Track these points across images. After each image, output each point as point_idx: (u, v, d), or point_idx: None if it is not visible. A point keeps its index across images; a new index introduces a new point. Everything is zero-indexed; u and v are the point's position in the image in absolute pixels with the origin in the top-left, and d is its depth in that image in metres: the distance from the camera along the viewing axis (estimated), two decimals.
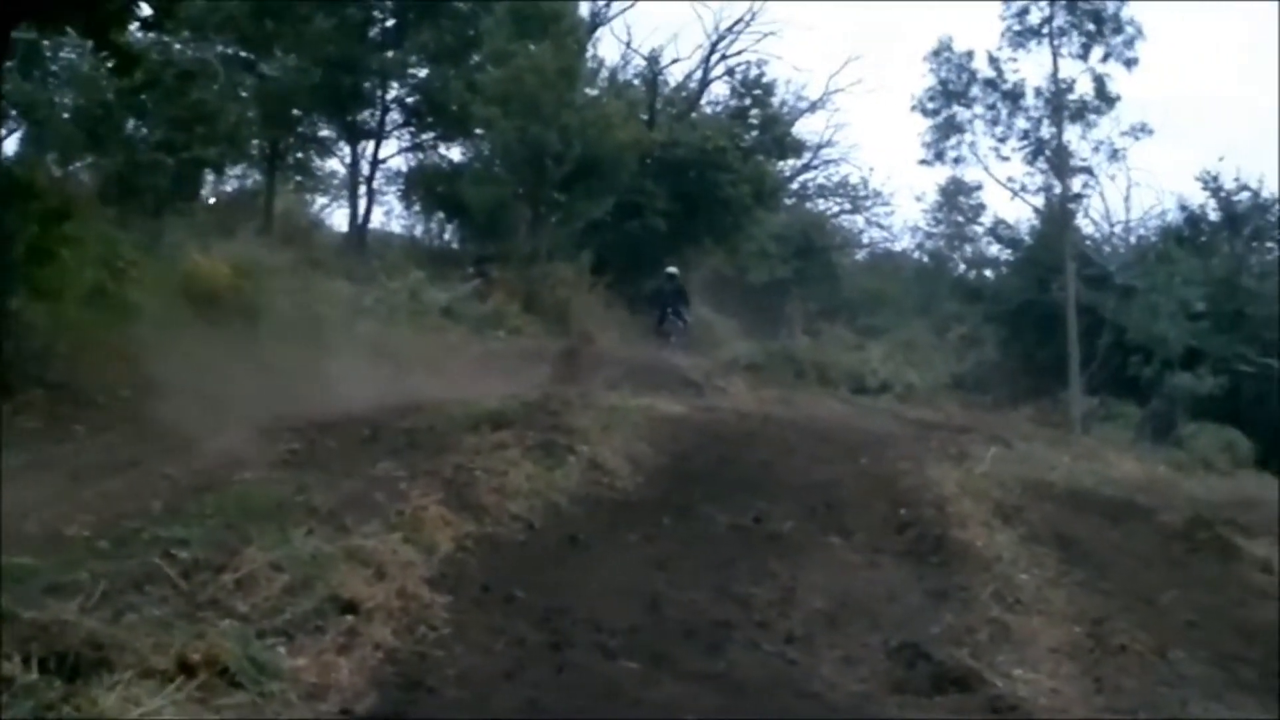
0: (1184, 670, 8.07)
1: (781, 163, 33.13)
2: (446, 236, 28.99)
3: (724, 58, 33.55)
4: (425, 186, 26.89)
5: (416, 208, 29.35)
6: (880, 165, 79.39)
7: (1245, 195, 35.25)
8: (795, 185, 39.88)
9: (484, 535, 8.61)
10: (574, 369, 18.26)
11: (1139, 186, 56.82)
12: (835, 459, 13.88)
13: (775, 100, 33.70)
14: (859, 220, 45.59)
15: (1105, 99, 35.95)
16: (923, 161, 39.17)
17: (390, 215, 31.37)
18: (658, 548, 9.32)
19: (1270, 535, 15.82)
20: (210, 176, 23.32)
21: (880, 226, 47.42)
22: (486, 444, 10.89)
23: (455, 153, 27.59)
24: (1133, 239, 37.75)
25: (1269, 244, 35.43)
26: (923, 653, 7.36)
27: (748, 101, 32.44)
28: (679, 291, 23.33)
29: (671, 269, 23.28)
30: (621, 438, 12.36)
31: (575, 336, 21.34)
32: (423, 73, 25.93)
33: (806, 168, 40.45)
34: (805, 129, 35.99)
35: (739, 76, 32.98)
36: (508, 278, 22.58)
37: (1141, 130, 36.51)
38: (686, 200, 26.08)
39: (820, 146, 40.23)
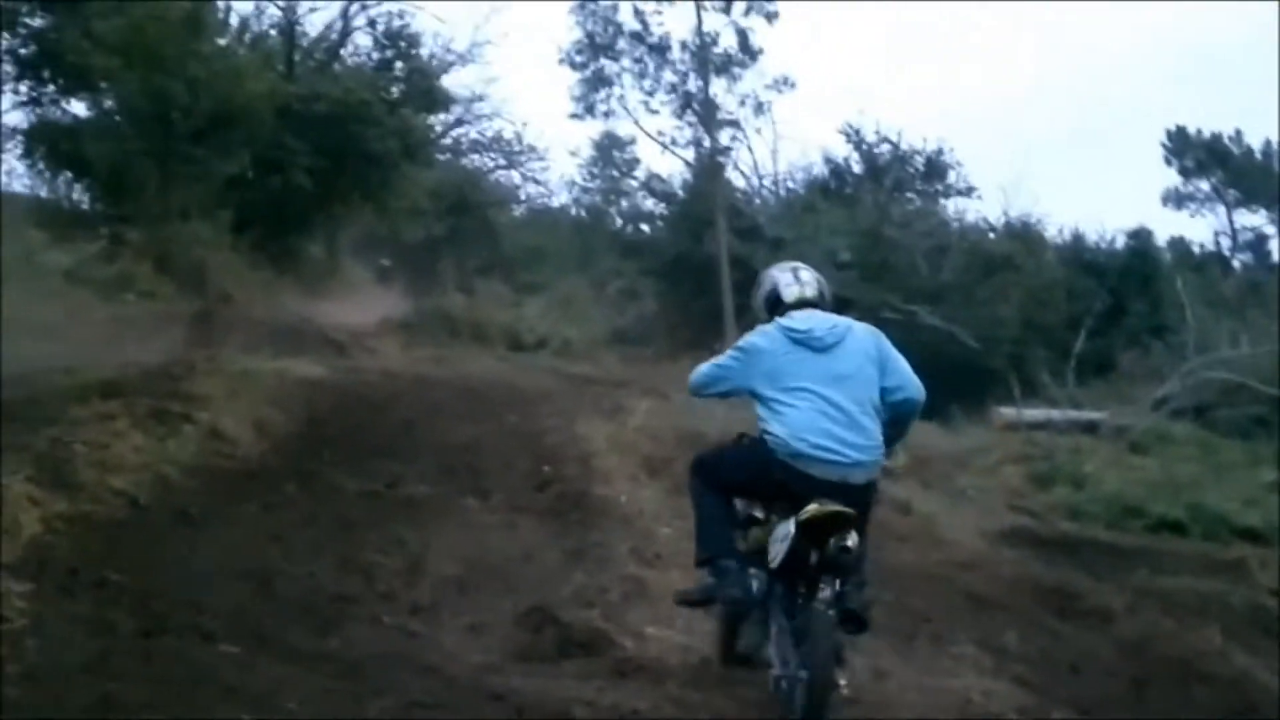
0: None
1: (431, 117, 32.27)
2: (76, 197, 27.10)
3: (364, 7, 32.42)
4: (47, 144, 25.06)
5: (40, 167, 27.39)
6: (534, 119, 78.68)
7: (886, 148, 36.52)
8: (448, 141, 39.11)
9: (78, 514, 7.64)
10: (211, 332, 17.21)
11: (786, 140, 58.49)
12: (482, 418, 13.48)
13: (422, 52, 32.84)
14: (515, 176, 45.23)
15: (749, 52, 36.65)
16: (574, 115, 39.24)
17: (12, 176, 29.18)
18: (277, 520, 8.65)
19: (914, 477, 16.37)
20: None
21: (536, 182, 47.15)
22: (92, 415, 9.84)
23: (80, 107, 25.88)
24: (781, 191, 38.71)
25: (909, 194, 36.79)
26: (551, 616, 7.07)
27: (391, 54, 31.49)
28: None
29: None
30: (249, 404, 11.52)
31: (212, 298, 20.27)
32: (37, 22, 24.16)
33: (459, 123, 39.78)
34: (456, 83, 35.24)
35: (381, 28, 31.97)
36: (138, 238, 21.24)
37: (784, 83, 37.43)
38: (331, 155, 25.06)
39: (472, 101, 39.64)
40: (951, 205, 37.44)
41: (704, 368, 6.20)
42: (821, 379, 5.76)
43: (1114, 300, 32.57)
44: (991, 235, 36.09)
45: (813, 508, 5.37)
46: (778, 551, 5.63)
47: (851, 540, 5.42)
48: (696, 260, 33.53)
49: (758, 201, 37.72)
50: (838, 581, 5.54)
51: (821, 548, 5.43)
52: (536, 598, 7.45)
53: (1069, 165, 68.75)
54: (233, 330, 16.90)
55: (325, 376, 14.35)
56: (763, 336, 6.01)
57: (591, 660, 6.50)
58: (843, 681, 5.59)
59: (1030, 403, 24.45)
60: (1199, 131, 50.04)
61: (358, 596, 7.31)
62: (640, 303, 34.15)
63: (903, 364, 5.99)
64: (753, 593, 5.80)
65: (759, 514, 6.04)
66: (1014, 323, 31.78)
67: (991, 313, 31.39)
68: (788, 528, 5.53)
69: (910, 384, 5.96)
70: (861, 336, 5.98)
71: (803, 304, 6.09)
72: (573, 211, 47.86)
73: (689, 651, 6.87)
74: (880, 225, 33.15)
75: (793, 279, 6.21)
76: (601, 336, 28.69)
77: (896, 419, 5.95)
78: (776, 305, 6.16)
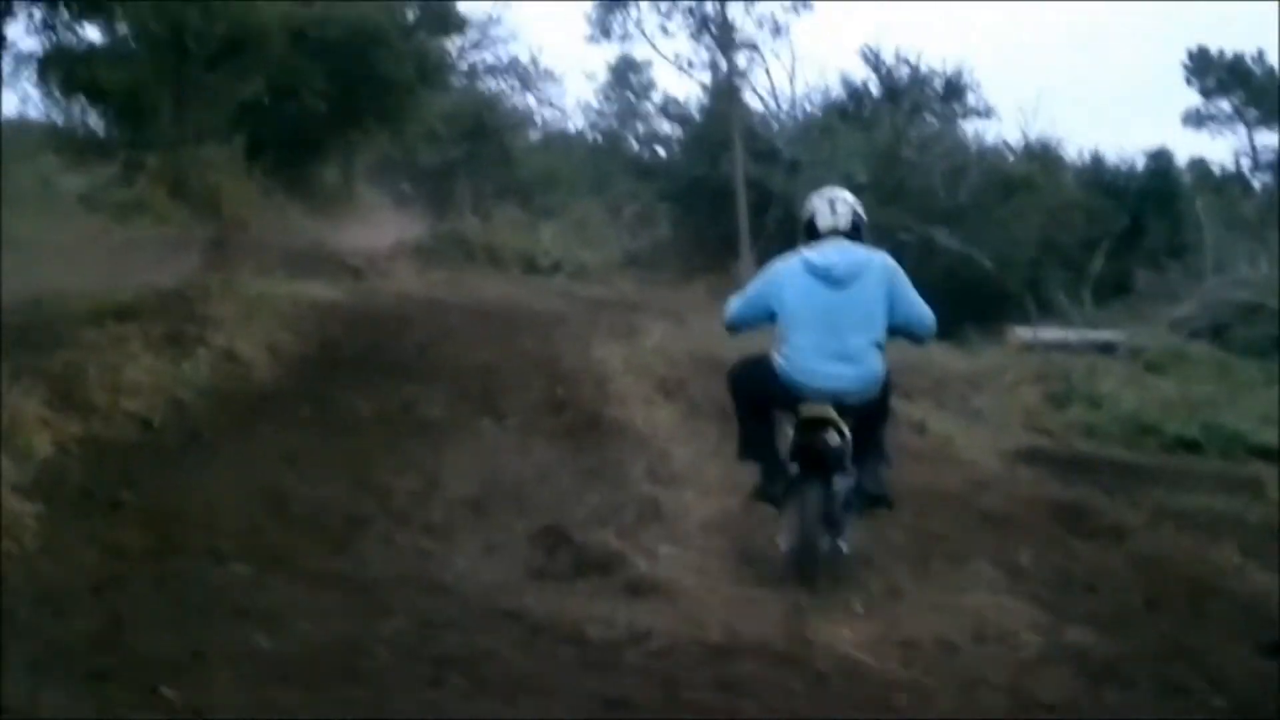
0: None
1: (446, 40, 31.99)
2: (90, 123, 26.95)
3: None
4: (61, 69, 24.88)
5: (56, 93, 27.23)
6: (550, 43, 78.50)
7: (905, 70, 36.17)
8: (464, 65, 38.89)
9: (91, 436, 7.71)
10: (225, 257, 17.15)
11: (803, 62, 57.97)
12: (497, 341, 13.43)
13: None
14: (531, 100, 45.01)
15: None
16: (590, 39, 39.04)
17: (28, 103, 28.99)
18: (291, 442, 8.62)
19: (929, 398, 16.31)
20: None
21: (552, 105, 46.95)
22: (106, 338, 9.89)
23: (94, 33, 25.67)
24: (799, 114, 38.37)
25: (927, 117, 36.46)
26: (565, 536, 7.02)
27: None
28: None
29: None
30: (263, 327, 11.50)
31: (227, 223, 20.18)
32: None
33: (475, 46, 39.57)
34: (471, 6, 35.14)
35: None
36: (152, 163, 21.14)
37: (803, 4, 37.01)
38: (346, 80, 24.83)
39: (487, 24, 39.38)
40: (970, 127, 37.19)
41: (734, 301, 7.05)
42: (827, 314, 6.48)
43: (1132, 221, 32.47)
44: (1010, 157, 35.81)
45: (804, 410, 6.43)
46: (788, 444, 6.59)
47: (834, 439, 6.37)
48: (712, 184, 33.35)
49: (774, 125, 37.42)
50: (841, 484, 6.59)
51: (816, 443, 6.39)
52: (550, 518, 7.42)
53: (1089, 86, 68.37)
54: (247, 255, 16.81)
55: (340, 300, 14.32)
56: (785, 265, 6.78)
57: (605, 579, 6.46)
58: (843, 544, 6.79)
59: (1046, 323, 24.40)
60: (1220, 51, 49.45)
61: (371, 517, 7.28)
62: (655, 226, 33.89)
63: (913, 300, 6.67)
64: (785, 481, 6.68)
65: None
66: (1031, 244, 31.69)
67: (1009, 234, 31.30)
68: (789, 428, 6.60)
69: (917, 320, 6.71)
70: (878, 273, 6.57)
71: (834, 233, 6.71)
72: (588, 136, 47.62)
73: (703, 572, 6.83)
74: (897, 147, 32.92)
75: (829, 210, 6.79)
76: (616, 260, 28.42)
77: (909, 339, 6.91)
78: (812, 231, 6.80)
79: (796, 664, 5.52)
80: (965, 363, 20.70)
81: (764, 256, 30.73)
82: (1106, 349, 22.58)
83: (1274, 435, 15.41)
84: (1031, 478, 11.03)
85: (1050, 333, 23.57)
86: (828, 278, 6.51)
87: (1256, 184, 47.91)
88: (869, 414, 6.60)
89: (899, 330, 6.69)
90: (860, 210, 6.89)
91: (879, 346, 6.54)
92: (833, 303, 6.48)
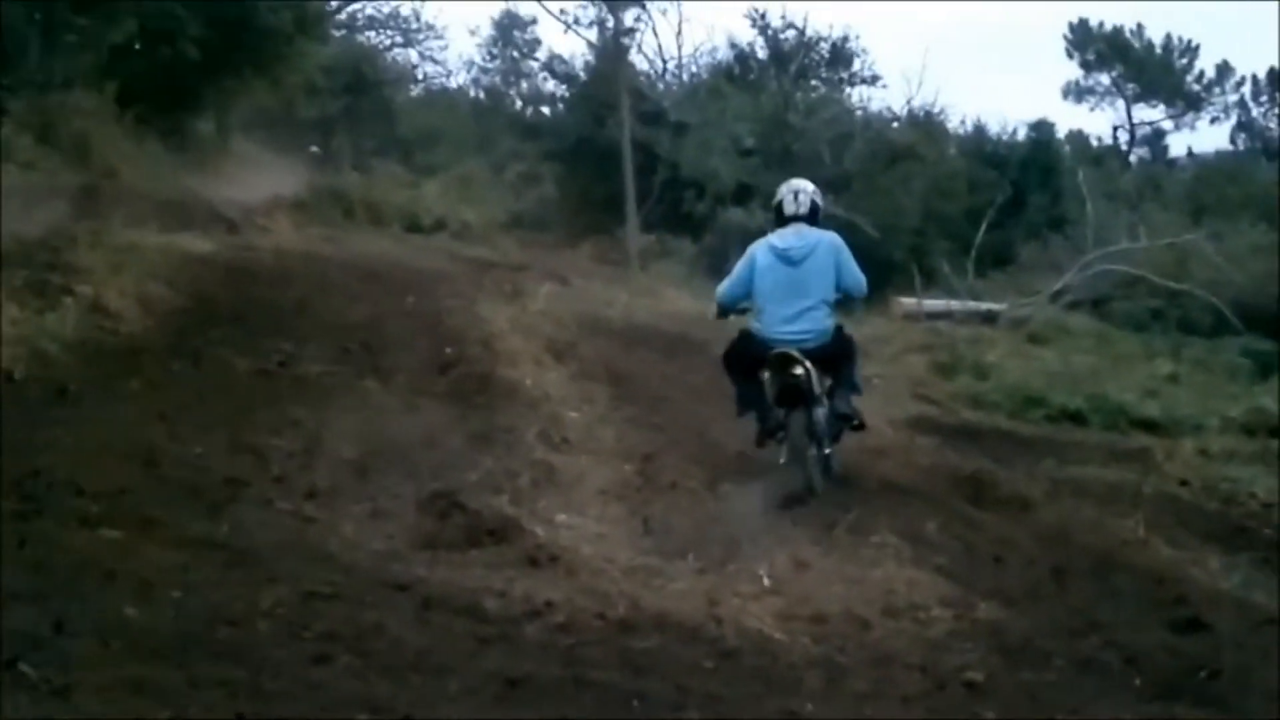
0: (734, 505, 7.70)
1: None
2: None
3: None
4: None
5: None
6: None
7: (791, 33, 35.91)
8: (343, 16, 37.88)
9: None
10: (95, 206, 16.37)
11: (690, 23, 57.73)
12: (379, 298, 12.94)
13: None
14: (412, 55, 44.08)
15: None
16: None
17: None
18: (163, 398, 8.13)
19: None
20: None
21: (434, 61, 46.14)
22: None
23: None
24: (685, 76, 38.03)
25: (814, 81, 36.32)
26: (457, 502, 6.71)
27: None
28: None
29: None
30: (134, 278, 10.70)
31: (97, 172, 19.33)
32: None
33: None
34: None
35: None
36: (18, 107, 20.21)
37: None
38: (222, 27, 23.99)
39: None
40: (856, 94, 37.02)
41: (721, 287, 8.85)
42: (788, 286, 8.32)
43: (1015, 192, 32.65)
44: (895, 125, 35.83)
45: (774, 351, 8.11)
46: (771, 392, 8.22)
47: (799, 370, 7.99)
48: (599, 144, 32.84)
49: (661, 86, 37.03)
50: (825, 399, 8.24)
51: (788, 379, 8.01)
52: (441, 483, 7.08)
53: (972, 56, 68.97)
54: (118, 205, 15.98)
55: (215, 252, 13.61)
56: (757, 250, 8.58)
57: (501, 549, 6.16)
58: (828, 450, 8.32)
59: (930, 293, 24.44)
60: (1100, 24, 50.13)
61: (249, 479, 6.87)
62: (540, 186, 33.43)
63: (853, 270, 8.51)
64: (776, 420, 8.30)
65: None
66: (915, 213, 31.78)
67: (893, 203, 31.33)
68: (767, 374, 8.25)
69: (854, 286, 8.53)
70: (826, 249, 8.43)
71: (796, 218, 8.58)
72: (471, 93, 46.94)
73: (602, 541, 6.56)
74: (784, 112, 32.71)
75: (793, 200, 8.66)
76: (500, 220, 27.90)
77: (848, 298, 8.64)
78: (780, 216, 8.72)
79: (704, 640, 5.27)
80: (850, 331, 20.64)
81: (650, 220, 30.69)
82: (989, 319, 22.74)
83: (1156, 408, 15.55)
84: (931, 445, 10.87)
85: (934, 302, 23.59)
86: (787, 259, 8.36)
87: (1134, 158, 48.84)
88: (829, 356, 8.31)
89: (841, 292, 8.42)
90: (818, 198, 8.74)
91: (829, 305, 8.35)
92: (791, 277, 8.33)
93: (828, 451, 8.34)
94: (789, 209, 8.61)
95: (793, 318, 8.26)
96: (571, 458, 8.13)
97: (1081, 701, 5.09)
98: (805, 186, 8.74)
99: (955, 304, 23.64)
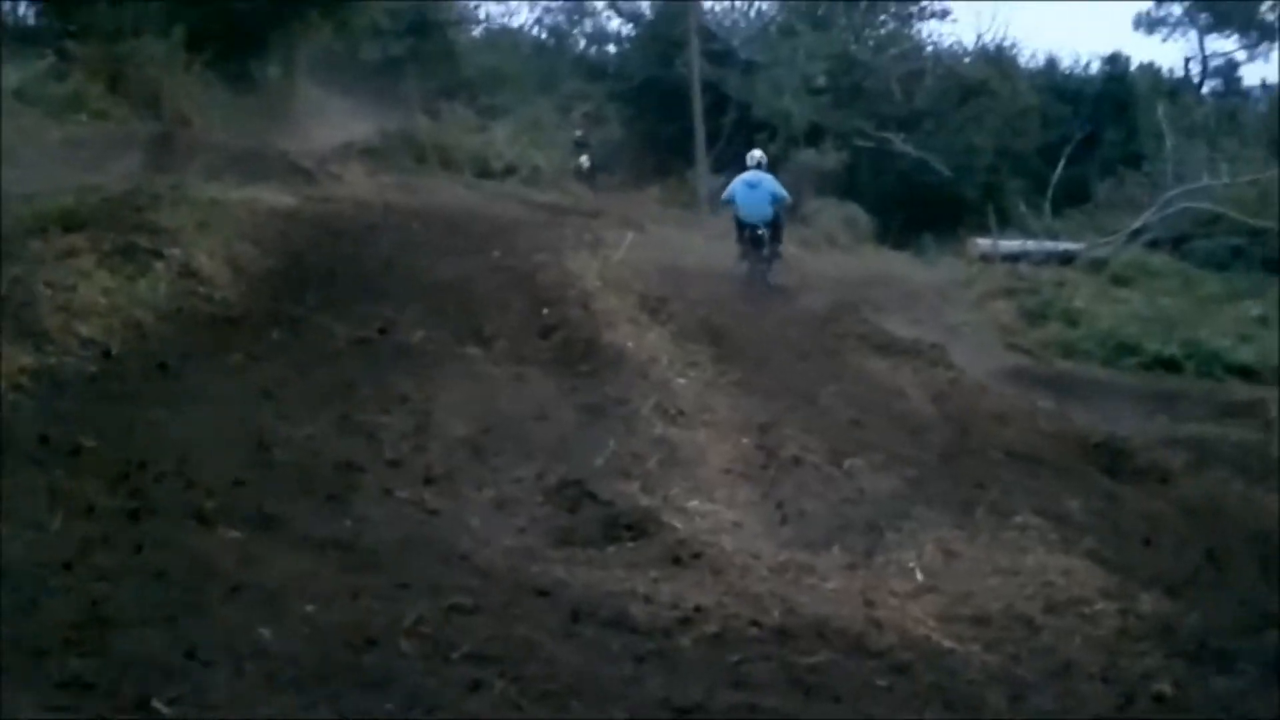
0: (864, 483, 7.33)
1: None
2: (21, 12, 25.54)
3: None
4: None
5: None
6: None
7: None
8: None
9: (46, 368, 6.81)
10: (170, 157, 16.02)
11: None
12: (464, 251, 12.50)
13: None
14: None
15: None
16: None
17: None
18: (265, 372, 7.77)
19: (904, 312, 15.78)
20: None
21: (496, 0, 45.58)
22: (54, 251, 8.77)
23: None
24: (754, 13, 37.24)
25: (883, 17, 35.52)
26: (587, 491, 6.31)
27: None
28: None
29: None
30: (221, 238, 10.28)
31: (169, 120, 19.00)
32: None
33: None
34: None
35: None
36: (88, 55, 19.88)
37: None
38: None
39: None
40: (925, 29, 36.13)
41: (724, 195, 16.10)
42: (750, 198, 15.37)
43: (1090, 128, 31.82)
44: (966, 60, 34.99)
45: (748, 225, 15.46)
46: (744, 241, 15.55)
47: (760, 231, 15.33)
48: (666, 85, 32.18)
49: (730, 24, 36.25)
50: (765, 250, 15.65)
51: (755, 238, 15.43)
52: (564, 467, 6.71)
53: None
54: (192, 155, 15.73)
55: (297, 206, 13.13)
56: (736, 181, 15.77)
57: (640, 545, 5.77)
58: (768, 269, 15.72)
59: (1006, 233, 23.88)
60: None
61: (364, 465, 6.49)
62: (606, 128, 32.87)
63: (779, 190, 15.63)
64: (747, 253, 15.63)
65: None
66: (988, 151, 30.97)
67: (965, 141, 30.55)
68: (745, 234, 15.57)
69: (779, 196, 15.56)
70: (768, 183, 15.57)
71: (756, 167, 15.74)
72: (534, 33, 46.32)
73: (739, 531, 6.18)
74: (854, 48, 32.00)
75: (753, 159, 16.01)
76: (569, 164, 27.47)
77: (777, 212, 15.66)
78: (745, 167, 15.87)
79: (871, 652, 4.90)
80: (926, 273, 20.35)
81: (719, 161, 30.12)
82: (1066, 259, 22.13)
83: (1251, 353, 15.13)
84: (1050, 410, 10.45)
85: (1009, 243, 23.01)
86: (750, 185, 15.47)
87: (1206, 90, 47.63)
88: (771, 227, 15.52)
89: (775, 199, 15.48)
90: (764, 160, 16.25)
91: (771, 205, 15.41)
92: (752, 195, 15.41)
93: (765, 267, 15.67)
94: (750, 164, 15.93)
95: (753, 212, 15.40)
96: (690, 432, 7.75)
97: None
98: (756, 153, 16.46)
99: (1031, 244, 23.10)
